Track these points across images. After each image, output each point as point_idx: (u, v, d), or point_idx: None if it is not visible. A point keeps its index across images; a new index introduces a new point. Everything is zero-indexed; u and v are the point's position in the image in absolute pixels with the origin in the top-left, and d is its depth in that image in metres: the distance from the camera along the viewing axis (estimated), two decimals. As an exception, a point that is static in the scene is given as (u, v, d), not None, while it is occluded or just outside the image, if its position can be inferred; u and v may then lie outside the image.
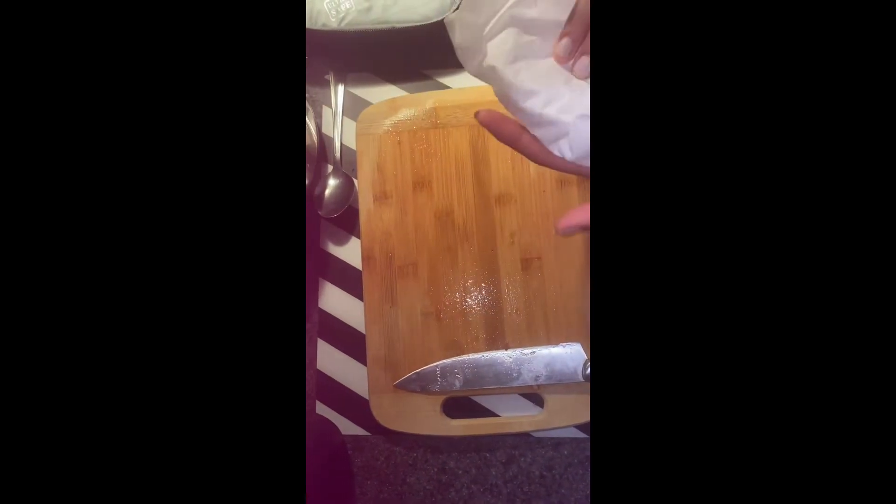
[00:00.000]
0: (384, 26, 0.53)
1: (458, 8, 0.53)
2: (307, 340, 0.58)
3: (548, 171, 0.55)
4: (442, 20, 0.53)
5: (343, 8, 0.54)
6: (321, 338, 0.57)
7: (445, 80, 0.59)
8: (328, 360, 0.57)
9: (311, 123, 0.57)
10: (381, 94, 0.60)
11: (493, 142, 0.55)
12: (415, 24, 0.53)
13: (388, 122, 0.57)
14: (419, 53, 0.59)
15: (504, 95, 0.34)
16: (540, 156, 0.36)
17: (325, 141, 0.60)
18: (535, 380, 0.51)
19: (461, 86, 0.59)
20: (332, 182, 0.58)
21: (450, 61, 0.59)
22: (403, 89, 0.60)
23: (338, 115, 0.59)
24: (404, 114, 0.57)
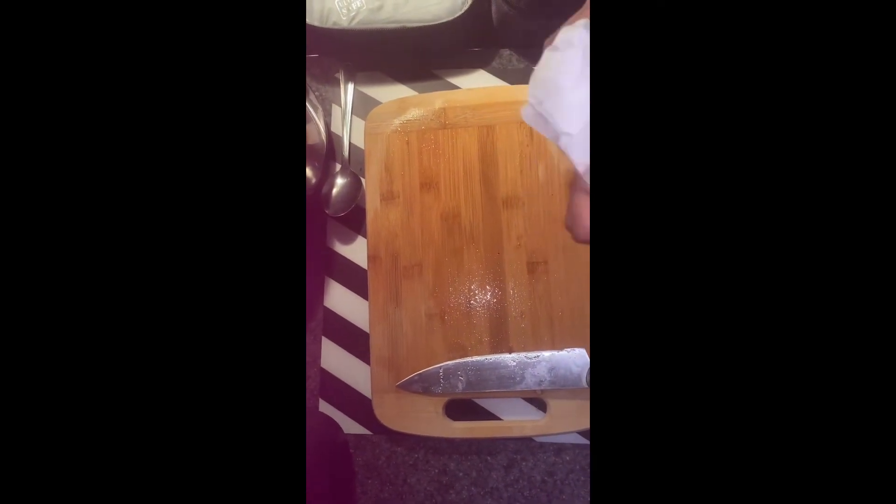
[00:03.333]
0: (395, 26, 0.53)
1: (469, 8, 0.53)
2: (312, 338, 0.58)
3: (556, 174, 0.54)
4: (453, 20, 0.53)
5: (354, 7, 0.53)
6: (326, 336, 0.57)
7: (455, 80, 0.59)
8: (332, 358, 0.57)
9: (319, 122, 0.57)
10: (390, 93, 0.59)
11: (501, 144, 0.55)
12: (426, 24, 0.53)
13: (396, 121, 0.57)
14: (429, 53, 0.59)
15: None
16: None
17: (333, 139, 0.60)
18: (539, 384, 0.51)
19: (471, 86, 0.59)
20: (340, 181, 0.58)
21: (460, 61, 0.59)
22: (413, 89, 0.59)
23: (347, 114, 0.59)
24: (413, 114, 0.57)
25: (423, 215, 0.55)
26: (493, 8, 0.54)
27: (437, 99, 0.57)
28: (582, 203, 0.30)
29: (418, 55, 0.59)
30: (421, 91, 0.59)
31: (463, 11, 0.53)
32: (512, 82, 0.58)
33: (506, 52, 0.59)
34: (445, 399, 0.53)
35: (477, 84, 0.59)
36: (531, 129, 0.55)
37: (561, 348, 0.52)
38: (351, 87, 0.60)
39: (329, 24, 0.54)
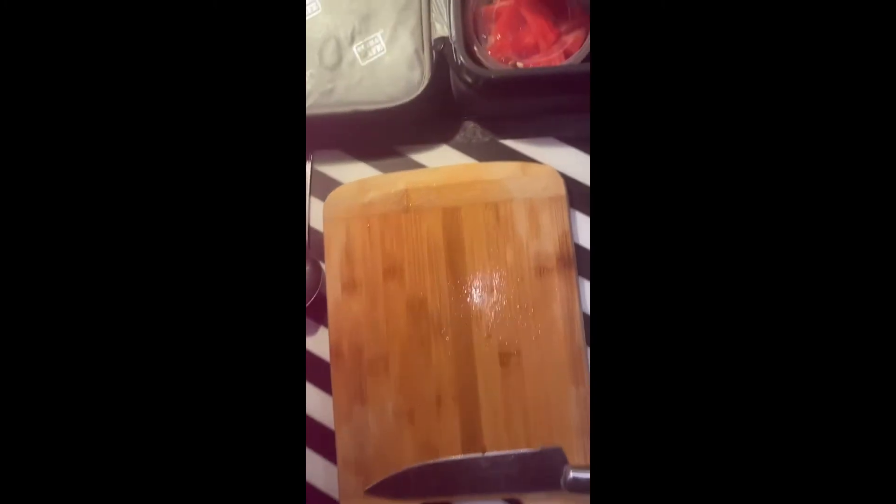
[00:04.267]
0: (348, 109, 0.50)
1: (426, 87, 0.50)
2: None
3: (525, 257, 0.51)
4: (409, 102, 0.50)
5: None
6: (290, 433, 0.54)
7: (417, 157, 0.56)
8: (297, 457, 0.54)
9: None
10: (350, 171, 0.56)
11: (467, 227, 0.53)
12: (381, 107, 0.50)
13: (357, 205, 0.54)
14: (388, 131, 0.56)
15: None
16: None
17: (292, 222, 0.57)
18: (514, 489, 0.48)
19: (434, 163, 0.56)
20: (299, 268, 0.55)
21: (421, 137, 0.56)
22: (374, 167, 0.56)
23: (305, 196, 0.56)
24: (374, 196, 0.54)
25: (388, 305, 0.52)
26: (453, 84, 0.51)
27: (399, 180, 0.54)
28: None
29: (376, 134, 0.56)
30: (382, 169, 0.56)
31: (420, 92, 0.50)
32: (477, 157, 0.55)
33: (469, 125, 0.56)
34: (417, 504, 0.50)
35: (441, 160, 0.56)
36: (497, 211, 0.52)
37: (537, 445, 0.49)
38: (308, 166, 0.57)
39: (280, 108, 0.51)
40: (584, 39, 0.49)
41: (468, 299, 0.51)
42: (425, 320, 0.52)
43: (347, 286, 0.53)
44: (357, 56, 0.50)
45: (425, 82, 0.50)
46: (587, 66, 0.45)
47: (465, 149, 0.56)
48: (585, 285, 0.52)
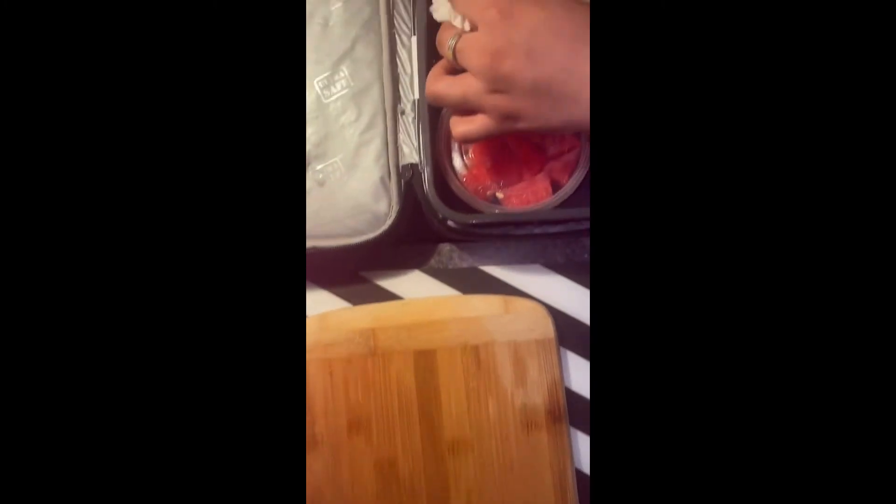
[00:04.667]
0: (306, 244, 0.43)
1: (394, 220, 0.43)
2: None
3: (511, 411, 0.45)
4: (376, 237, 0.43)
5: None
6: None
7: (387, 285, 0.49)
8: None
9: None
10: (308, 302, 0.49)
11: (443, 373, 0.46)
12: (343, 243, 0.43)
13: (317, 346, 0.47)
14: (352, 259, 0.49)
15: None
16: None
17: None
18: None
19: (406, 291, 0.49)
20: (252, 418, 0.48)
21: (392, 262, 0.49)
22: (336, 295, 0.49)
23: (258, 330, 0.49)
24: (337, 336, 0.47)
25: (353, 465, 0.45)
26: (426, 212, 0.45)
27: (365, 316, 0.47)
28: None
29: (342, 260, 0.49)
30: (345, 297, 0.49)
31: (387, 227, 0.43)
32: (454, 285, 0.49)
33: (445, 248, 0.50)
34: None
35: (413, 288, 0.49)
36: (478, 355, 0.46)
37: None
38: (262, 294, 0.50)
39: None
40: (575, 165, 0.43)
41: (445, 459, 0.45)
42: (396, 484, 0.45)
43: (307, 442, 0.46)
44: (313, 184, 0.44)
45: (393, 215, 0.43)
46: (586, 211, 0.39)
47: (441, 275, 0.49)
48: (578, 437, 0.46)
